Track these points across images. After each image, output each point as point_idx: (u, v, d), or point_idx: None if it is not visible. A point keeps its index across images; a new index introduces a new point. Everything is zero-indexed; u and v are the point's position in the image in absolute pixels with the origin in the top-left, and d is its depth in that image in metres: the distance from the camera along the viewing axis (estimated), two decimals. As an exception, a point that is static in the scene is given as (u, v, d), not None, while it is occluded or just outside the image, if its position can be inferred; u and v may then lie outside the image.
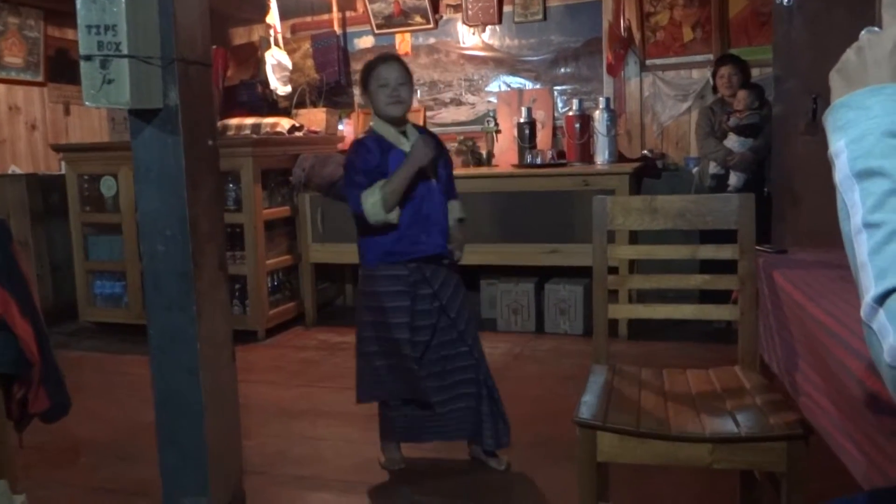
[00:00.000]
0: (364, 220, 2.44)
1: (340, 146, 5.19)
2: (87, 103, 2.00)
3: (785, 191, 3.43)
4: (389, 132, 2.52)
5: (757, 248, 1.96)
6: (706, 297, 3.09)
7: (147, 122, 2.12)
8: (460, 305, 2.56)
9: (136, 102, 2.00)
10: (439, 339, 2.53)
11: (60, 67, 5.54)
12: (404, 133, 2.54)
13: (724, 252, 1.98)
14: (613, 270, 2.55)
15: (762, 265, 1.92)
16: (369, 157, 2.46)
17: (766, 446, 1.55)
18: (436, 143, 2.59)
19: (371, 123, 2.58)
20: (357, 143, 2.59)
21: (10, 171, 5.08)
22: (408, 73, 2.51)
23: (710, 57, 4.52)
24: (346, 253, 4.58)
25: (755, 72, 4.35)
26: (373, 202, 2.39)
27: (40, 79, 5.37)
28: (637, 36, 4.72)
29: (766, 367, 1.97)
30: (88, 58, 1.96)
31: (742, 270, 1.93)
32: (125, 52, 1.95)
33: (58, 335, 2.70)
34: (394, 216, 2.42)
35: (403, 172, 2.41)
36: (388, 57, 2.55)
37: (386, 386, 2.54)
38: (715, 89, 4.31)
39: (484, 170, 4.69)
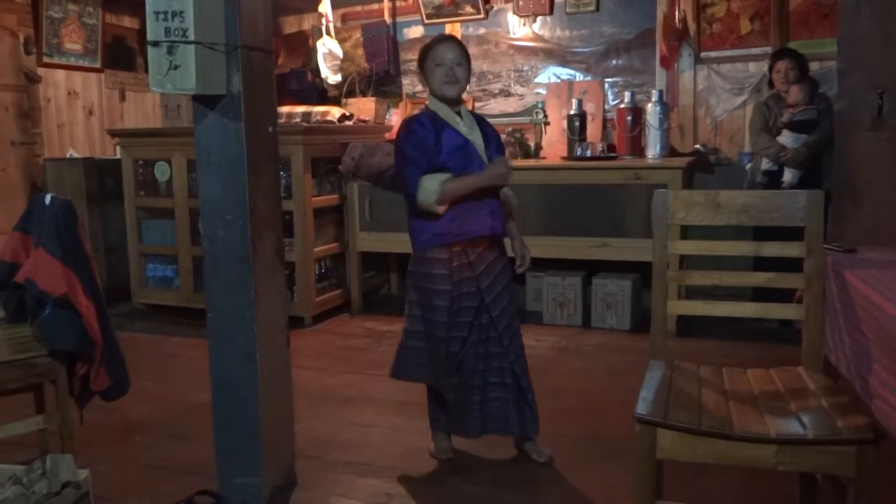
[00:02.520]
0: (413, 200, 2.45)
1: (388, 136, 5.20)
2: (153, 89, 2.04)
3: (846, 188, 3.33)
4: (445, 111, 2.52)
5: (825, 246, 1.91)
6: (760, 295, 3.03)
7: (210, 107, 2.15)
8: (503, 300, 2.54)
9: (201, 88, 2.03)
10: (478, 335, 2.53)
11: (117, 54, 5.66)
12: (458, 114, 2.54)
13: (790, 250, 1.93)
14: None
15: (831, 264, 1.87)
16: (425, 134, 2.45)
17: (835, 450, 1.51)
18: (489, 129, 2.61)
19: (427, 103, 2.58)
20: (411, 120, 2.54)
21: (68, 155, 5.22)
22: (465, 54, 2.51)
23: (768, 50, 4.40)
24: (393, 242, 4.61)
25: (815, 66, 4.23)
26: (430, 190, 2.40)
27: (98, 65, 5.49)
28: (692, 27, 4.62)
29: (830, 368, 1.93)
30: (156, 43, 2.00)
31: (808, 269, 1.88)
32: (192, 38, 1.97)
33: (111, 316, 2.76)
34: (441, 209, 2.43)
35: (473, 182, 2.42)
36: (446, 37, 2.59)
37: (417, 369, 2.56)
38: (771, 84, 4.20)
39: (532, 162, 4.66)
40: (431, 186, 2.40)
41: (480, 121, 2.63)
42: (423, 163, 2.43)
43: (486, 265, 2.52)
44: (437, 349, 2.51)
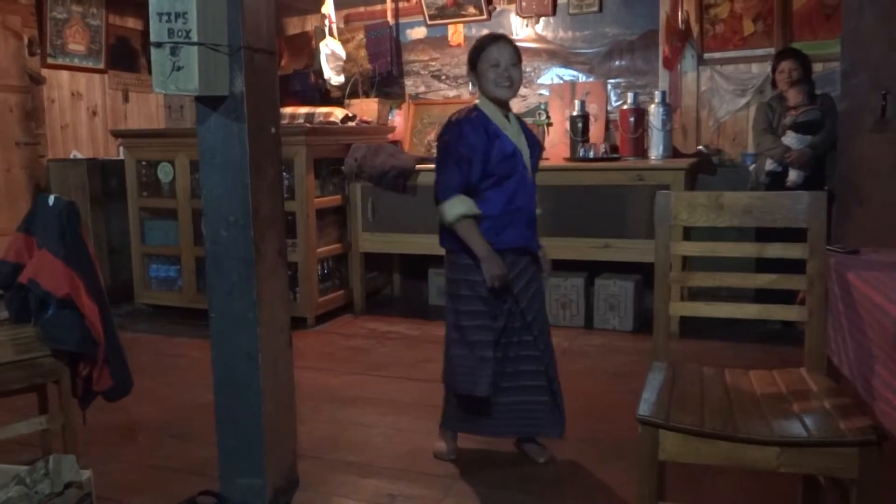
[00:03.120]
0: (436, 203, 2.45)
1: (391, 136, 5.21)
2: (156, 90, 2.05)
3: (850, 190, 3.32)
4: (496, 114, 2.45)
5: (827, 247, 1.91)
6: (762, 296, 3.03)
7: (213, 108, 2.15)
8: (536, 304, 2.53)
9: (205, 89, 2.03)
10: (508, 335, 2.51)
11: (120, 55, 5.68)
12: (507, 117, 2.48)
13: (793, 251, 1.93)
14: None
15: (834, 265, 1.87)
16: (475, 140, 2.37)
17: (838, 451, 1.51)
18: (531, 135, 2.57)
19: (476, 102, 2.50)
20: (464, 122, 2.42)
21: (71, 156, 5.23)
22: (518, 55, 2.44)
23: (772, 51, 4.39)
24: (396, 243, 4.62)
25: (818, 67, 4.22)
26: (452, 213, 2.38)
27: (101, 66, 5.51)
28: (695, 29, 4.62)
29: (832, 369, 1.92)
30: (159, 45, 2.00)
31: (811, 270, 1.88)
32: (195, 39, 1.98)
33: (114, 316, 2.77)
34: (450, 227, 2.43)
35: (477, 246, 2.38)
36: (500, 37, 2.48)
37: (469, 380, 2.48)
38: (774, 84, 4.20)
39: (535, 163, 4.65)
40: (454, 210, 2.38)
41: (523, 125, 2.57)
42: (465, 170, 2.38)
43: (520, 270, 2.49)
44: (479, 354, 2.46)
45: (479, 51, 2.44)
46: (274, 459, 2.28)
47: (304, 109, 4.87)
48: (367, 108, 5.15)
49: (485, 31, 5.13)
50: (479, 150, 2.38)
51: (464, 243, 2.42)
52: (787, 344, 3.60)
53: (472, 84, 2.53)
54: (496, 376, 2.48)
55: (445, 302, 2.58)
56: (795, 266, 1.91)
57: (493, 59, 2.40)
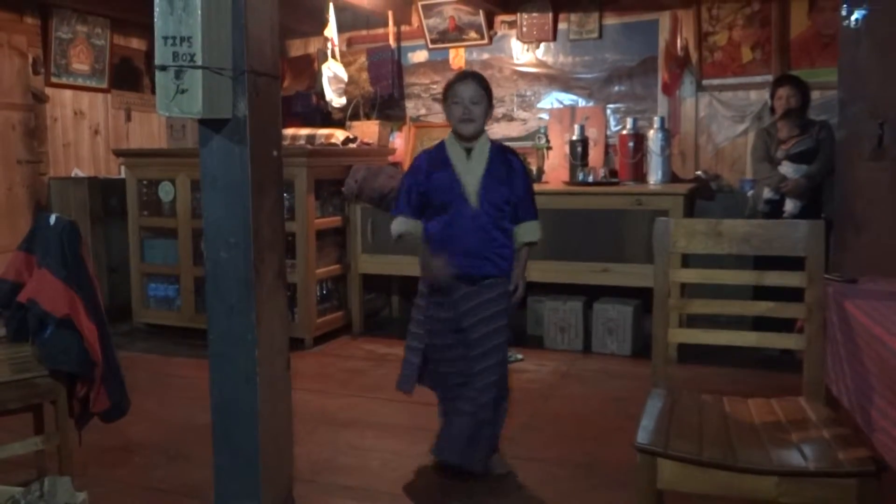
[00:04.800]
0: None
1: (392, 158, 5.24)
2: (160, 112, 2.06)
3: (847, 218, 3.34)
4: (455, 147, 2.60)
5: (825, 276, 1.92)
6: (761, 324, 3.03)
7: (216, 131, 2.17)
8: (478, 323, 2.55)
9: (208, 112, 2.04)
10: (451, 363, 2.62)
11: (123, 75, 5.72)
12: (470, 150, 2.58)
13: (791, 279, 1.93)
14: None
15: (832, 294, 1.87)
16: (418, 171, 2.65)
17: (836, 482, 1.51)
18: (503, 166, 2.61)
19: (445, 137, 2.68)
20: (421, 154, 2.73)
21: (72, 174, 5.24)
22: (484, 93, 2.56)
23: (769, 78, 4.43)
24: (395, 264, 4.62)
25: (816, 94, 4.26)
26: (394, 230, 2.66)
27: (105, 85, 5.54)
28: (694, 55, 4.67)
29: (831, 398, 1.92)
30: (164, 68, 2.02)
31: (810, 299, 1.89)
32: (199, 63, 2.00)
33: (112, 335, 2.77)
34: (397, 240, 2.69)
35: (421, 258, 2.63)
36: (467, 74, 2.63)
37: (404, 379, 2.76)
38: (773, 111, 4.23)
39: (534, 187, 4.66)
40: (396, 228, 2.64)
41: (497, 156, 2.61)
42: (406, 196, 2.63)
43: (461, 295, 2.56)
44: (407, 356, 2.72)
45: (447, 87, 2.62)
46: (270, 482, 2.26)
47: (305, 131, 4.90)
48: (368, 130, 5.18)
49: (486, 56, 5.20)
50: (420, 179, 2.62)
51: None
52: (785, 371, 3.58)
53: (447, 120, 2.67)
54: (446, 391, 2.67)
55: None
56: (793, 294, 1.91)
57: (457, 96, 2.55)
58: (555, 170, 4.87)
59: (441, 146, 2.65)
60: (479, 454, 2.55)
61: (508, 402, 2.71)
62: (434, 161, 2.62)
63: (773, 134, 4.15)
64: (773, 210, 4.04)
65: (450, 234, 2.56)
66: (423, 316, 2.66)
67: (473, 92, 2.53)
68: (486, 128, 2.63)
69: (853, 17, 3.18)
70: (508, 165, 2.62)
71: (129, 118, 5.78)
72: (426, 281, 2.65)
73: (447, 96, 2.59)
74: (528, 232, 2.65)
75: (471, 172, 2.57)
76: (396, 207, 2.67)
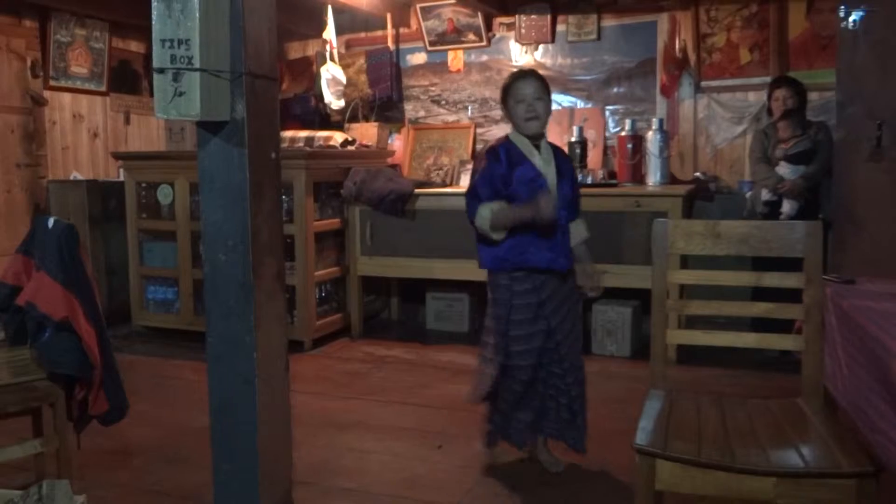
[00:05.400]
0: (472, 224, 2.59)
1: (390, 160, 5.24)
2: (158, 115, 2.06)
3: (846, 219, 3.35)
4: (524, 143, 2.59)
5: (824, 277, 1.92)
6: (759, 325, 3.03)
7: (214, 133, 2.17)
8: (566, 325, 2.60)
9: (206, 115, 2.04)
10: (542, 358, 2.60)
11: (122, 78, 5.72)
12: (538, 146, 2.60)
13: (790, 280, 1.93)
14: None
15: (830, 295, 1.87)
16: (496, 169, 2.54)
17: (835, 483, 1.50)
18: (564, 163, 2.66)
19: (508, 133, 2.65)
20: (489, 152, 2.60)
21: (71, 178, 5.24)
22: (545, 88, 2.56)
23: (768, 79, 4.43)
24: (394, 266, 4.62)
25: (814, 95, 4.27)
26: (483, 217, 2.51)
27: (103, 88, 5.54)
28: (692, 57, 4.67)
29: (829, 399, 1.92)
30: (162, 70, 2.02)
31: (808, 300, 1.89)
32: (197, 65, 2.00)
33: (111, 338, 2.76)
34: (497, 236, 2.53)
35: (518, 214, 2.48)
36: (526, 73, 2.62)
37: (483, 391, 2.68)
38: (770, 112, 4.23)
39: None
40: (484, 213, 2.51)
41: (557, 154, 2.66)
42: (486, 196, 2.53)
43: (551, 291, 2.58)
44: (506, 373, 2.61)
45: (507, 88, 2.60)
46: (269, 485, 2.26)
47: (304, 133, 4.90)
48: (366, 132, 5.19)
49: (484, 58, 5.20)
50: (498, 177, 2.53)
51: (500, 263, 2.57)
52: (784, 371, 3.59)
53: (507, 119, 2.67)
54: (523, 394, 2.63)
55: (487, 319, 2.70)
56: (792, 295, 1.91)
57: (519, 94, 2.54)
58: (553, 171, 4.86)
59: (508, 142, 2.59)
60: (580, 437, 2.65)
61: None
62: (511, 155, 2.56)
63: (770, 135, 4.15)
64: (772, 211, 4.04)
65: (538, 229, 2.51)
66: (504, 310, 2.59)
67: (535, 89, 2.53)
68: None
69: (851, 19, 3.20)
70: (568, 164, 2.69)
71: (127, 121, 5.78)
72: (506, 271, 2.59)
73: (507, 96, 2.58)
74: (582, 230, 2.70)
75: (546, 165, 2.58)
76: (473, 207, 2.55)
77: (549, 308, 2.58)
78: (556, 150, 2.68)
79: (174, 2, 1.99)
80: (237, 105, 2.13)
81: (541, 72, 4.93)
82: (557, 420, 2.66)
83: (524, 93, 2.53)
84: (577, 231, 2.68)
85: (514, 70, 2.67)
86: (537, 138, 2.59)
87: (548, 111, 2.57)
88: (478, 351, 2.75)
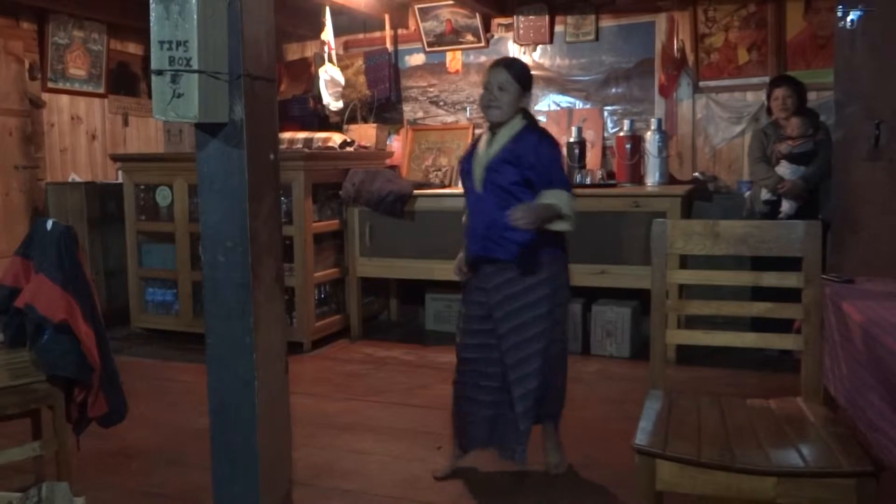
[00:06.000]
0: None
1: (389, 161, 5.24)
2: (156, 117, 2.06)
3: (844, 219, 3.34)
4: (486, 134, 2.63)
5: (823, 277, 1.92)
6: (759, 324, 3.03)
7: (212, 135, 2.16)
8: (517, 324, 2.53)
9: (204, 117, 2.04)
10: (482, 352, 2.59)
11: (120, 80, 5.71)
12: (495, 135, 2.58)
13: (789, 280, 1.94)
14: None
15: (829, 295, 1.87)
16: (459, 165, 2.76)
17: (835, 482, 1.51)
18: (526, 145, 2.52)
19: None
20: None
21: (70, 180, 5.24)
22: (514, 80, 2.53)
23: (766, 79, 4.44)
24: (393, 267, 4.62)
25: (812, 95, 4.27)
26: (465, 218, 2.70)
27: (102, 90, 5.54)
28: (691, 57, 4.67)
29: (829, 398, 1.92)
30: (160, 72, 2.01)
31: (807, 299, 1.89)
32: (195, 67, 1.99)
33: (110, 340, 2.75)
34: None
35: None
36: (500, 61, 2.63)
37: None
38: (769, 111, 4.23)
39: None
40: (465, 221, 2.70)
41: (520, 139, 2.52)
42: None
43: (496, 284, 2.55)
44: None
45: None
46: (269, 487, 2.25)
47: (302, 134, 4.90)
48: (365, 133, 5.19)
49: (483, 59, 5.20)
50: (460, 169, 2.72)
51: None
52: (783, 371, 3.59)
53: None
54: (470, 387, 2.61)
55: None
56: (791, 294, 1.91)
57: (485, 81, 2.59)
58: (552, 172, 4.86)
59: (479, 136, 2.69)
60: (520, 440, 2.56)
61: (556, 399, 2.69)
62: (469, 150, 2.70)
63: (769, 134, 4.15)
64: (773, 211, 4.04)
65: (469, 224, 2.64)
66: (462, 305, 2.71)
67: (502, 79, 2.52)
68: (519, 115, 2.57)
69: (848, 19, 3.19)
70: (525, 144, 2.51)
71: (126, 123, 5.78)
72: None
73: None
74: (551, 196, 2.47)
75: (483, 158, 2.57)
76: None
77: (493, 299, 2.54)
78: (523, 133, 2.54)
79: (172, 3, 1.99)
80: (236, 107, 2.13)
81: (539, 73, 5.02)
82: (505, 424, 2.57)
83: (488, 80, 2.55)
84: (547, 195, 2.47)
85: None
86: (497, 127, 2.58)
87: (514, 102, 2.53)
88: None
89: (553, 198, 2.47)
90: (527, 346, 2.53)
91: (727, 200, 4.42)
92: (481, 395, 2.59)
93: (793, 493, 1.53)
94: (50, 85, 5.15)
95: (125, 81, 5.76)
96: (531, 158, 2.49)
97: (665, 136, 4.52)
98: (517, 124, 2.56)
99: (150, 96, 2.17)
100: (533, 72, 4.97)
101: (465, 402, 2.63)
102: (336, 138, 4.84)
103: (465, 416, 2.62)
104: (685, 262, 3.55)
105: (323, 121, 5.37)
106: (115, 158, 5.26)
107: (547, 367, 2.55)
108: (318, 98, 5.17)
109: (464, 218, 2.70)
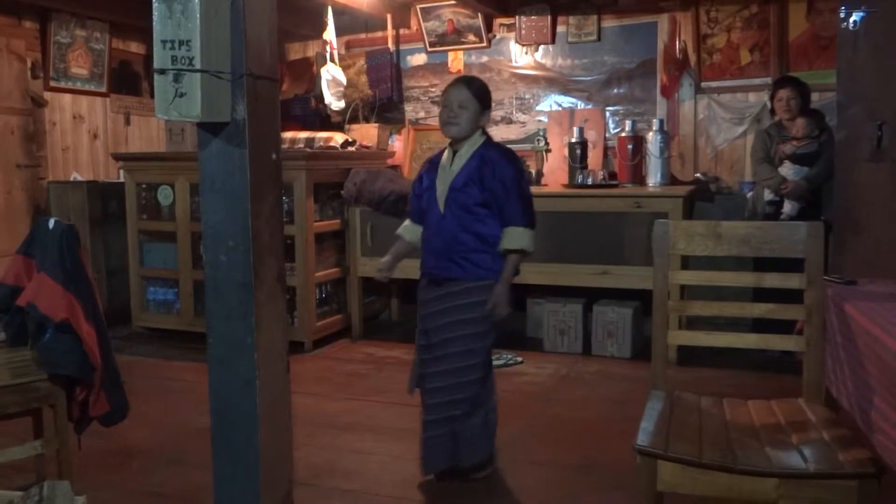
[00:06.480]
0: None
1: (391, 161, 5.24)
2: (158, 116, 2.06)
3: (846, 220, 3.34)
4: (447, 151, 2.63)
5: (825, 278, 1.91)
6: (760, 325, 3.03)
7: (215, 134, 2.16)
8: (444, 334, 2.53)
9: (206, 116, 2.04)
10: (427, 365, 2.61)
11: (122, 79, 5.72)
12: (456, 153, 2.59)
13: (791, 281, 1.93)
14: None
15: (831, 296, 1.87)
16: (416, 186, 2.74)
17: (836, 484, 1.50)
18: (488, 163, 2.52)
19: None
20: (424, 164, 2.78)
21: (71, 178, 5.24)
22: (474, 98, 2.53)
23: (768, 80, 4.45)
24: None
25: (815, 96, 4.26)
26: (398, 232, 2.81)
27: (104, 89, 5.54)
28: (693, 58, 4.67)
29: (831, 400, 1.92)
30: (162, 71, 2.02)
31: (809, 300, 1.89)
32: (198, 66, 1.99)
33: (111, 339, 2.75)
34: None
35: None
36: (460, 79, 2.64)
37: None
38: (773, 112, 4.23)
39: (533, 189, 4.66)
40: (398, 231, 2.80)
41: (483, 157, 2.53)
42: (413, 209, 2.75)
43: (433, 296, 2.59)
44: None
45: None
46: (269, 486, 2.25)
47: (304, 134, 4.90)
48: (367, 133, 5.19)
49: (484, 59, 5.20)
50: (417, 185, 2.72)
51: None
52: (785, 372, 3.59)
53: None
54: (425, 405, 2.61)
55: None
56: (793, 295, 1.91)
57: (444, 99, 2.59)
58: (554, 172, 4.87)
59: (441, 151, 2.68)
60: (470, 451, 2.54)
61: (486, 416, 2.60)
62: (430, 167, 2.69)
63: (772, 135, 4.15)
64: (776, 212, 4.04)
65: (426, 237, 2.65)
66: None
67: (462, 96, 2.52)
68: (479, 132, 2.58)
69: (851, 19, 3.19)
70: (488, 165, 2.51)
71: (128, 122, 5.78)
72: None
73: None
74: (511, 238, 2.50)
75: (447, 176, 2.57)
76: (408, 213, 2.79)
77: (426, 311, 2.60)
78: (486, 152, 2.54)
79: (175, 3, 1.99)
80: (238, 106, 2.13)
81: (541, 73, 5.03)
82: (442, 442, 2.54)
83: (448, 98, 2.55)
84: (507, 238, 2.51)
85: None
86: (456, 144, 2.58)
87: (473, 120, 2.52)
88: None
89: (513, 240, 2.52)
90: (463, 358, 2.54)
91: (729, 201, 4.42)
92: (429, 413, 2.63)
93: (794, 494, 1.53)
94: (52, 84, 5.15)
95: (127, 80, 5.76)
96: (493, 181, 2.52)
97: (667, 136, 4.52)
98: (477, 141, 2.58)
99: (152, 95, 2.18)
100: (534, 72, 5.07)
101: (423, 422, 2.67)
102: (338, 138, 4.84)
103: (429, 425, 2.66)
104: (687, 262, 3.56)
105: (325, 120, 5.37)
106: (117, 157, 5.27)
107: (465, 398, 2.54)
108: (320, 98, 5.17)
109: (400, 230, 2.79)
